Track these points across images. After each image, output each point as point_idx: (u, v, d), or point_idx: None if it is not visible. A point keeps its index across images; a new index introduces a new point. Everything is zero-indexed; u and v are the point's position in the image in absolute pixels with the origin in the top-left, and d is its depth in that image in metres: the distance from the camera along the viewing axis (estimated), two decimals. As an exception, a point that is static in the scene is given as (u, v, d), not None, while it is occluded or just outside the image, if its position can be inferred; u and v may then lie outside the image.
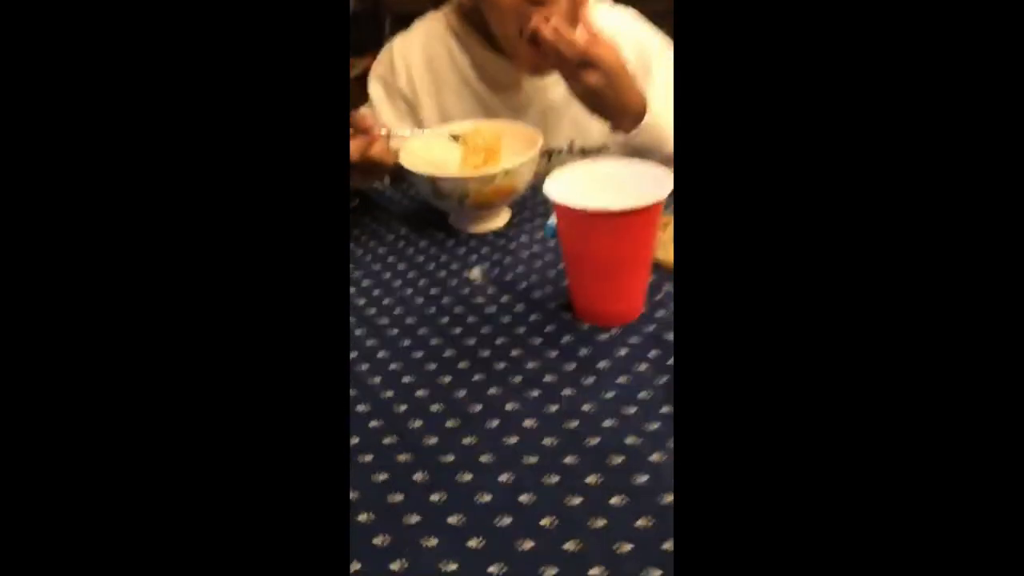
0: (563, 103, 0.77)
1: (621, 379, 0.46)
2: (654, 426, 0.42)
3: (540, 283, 0.58)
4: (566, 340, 0.51)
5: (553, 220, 0.65)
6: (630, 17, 0.83)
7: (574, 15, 0.68)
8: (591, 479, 0.39)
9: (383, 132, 0.63)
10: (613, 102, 0.65)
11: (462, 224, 0.68)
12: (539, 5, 0.66)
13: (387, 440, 0.43)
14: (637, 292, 0.51)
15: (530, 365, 0.48)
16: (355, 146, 0.62)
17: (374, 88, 0.84)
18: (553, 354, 0.49)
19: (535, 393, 0.46)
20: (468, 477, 0.40)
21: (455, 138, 0.68)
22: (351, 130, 0.63)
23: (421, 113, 0.82)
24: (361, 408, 0.46)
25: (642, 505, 0.37)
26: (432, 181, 0.62)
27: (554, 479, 0.39)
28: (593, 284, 0.50)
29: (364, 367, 0.50)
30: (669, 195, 0.46)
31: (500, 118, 0.75)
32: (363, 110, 0.81)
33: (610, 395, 0.45)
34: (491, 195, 0.63)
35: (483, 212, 0.66)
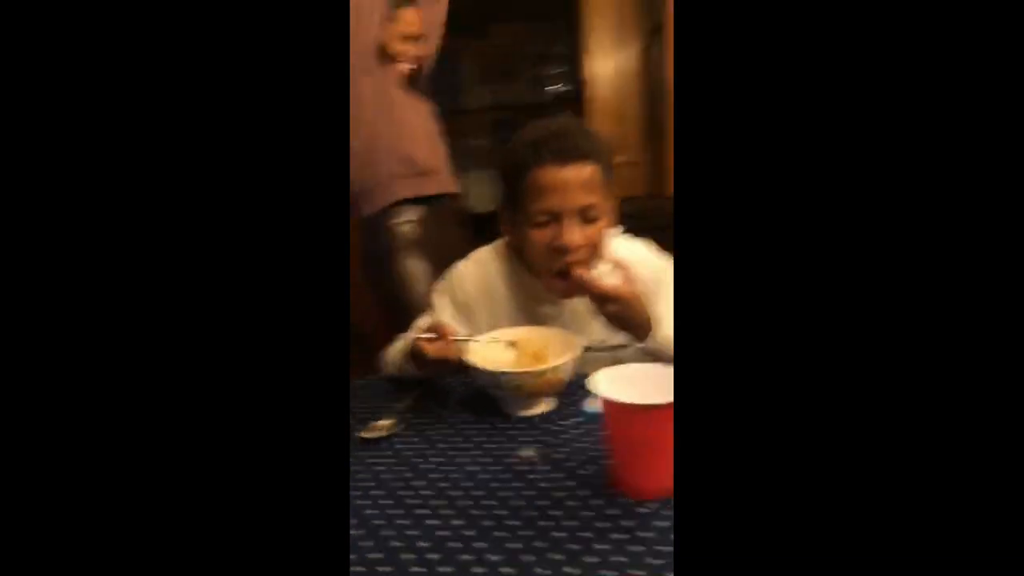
0: (582, 313, 0.92)
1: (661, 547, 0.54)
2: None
3: (583, 462, 0.68)
4: (611, 512, 0.59)
5: (588, 406, 0.76)
6: (641, 247, 1.02)
7: (594, 251, 0.87)
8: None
9: (454, 337, 0.78)
10: (628, 323, 0.80)
11: (513, 410, 0.80)
12: (562, 253, 0.84)
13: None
14: (667, 472, 0.61)
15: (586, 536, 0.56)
16: (437, 347, 0.77)
17: (439, 300, 1.00)
18: (602, 525, 0.57)
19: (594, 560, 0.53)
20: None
21: (512, 344, 0.82)
22: (432, 335, 0.77)
23: (475, 320, 0.97)
24: None
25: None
26: (496, 375, 0.75)
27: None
28: (631, 461, 0.60)
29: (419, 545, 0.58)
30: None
31: (542, 325, 0.90)
32: (436, 319, 0.96)
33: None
34: (541, 386, 0.76)
35: (532, 400, 0.78)
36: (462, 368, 0.81)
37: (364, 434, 0.76)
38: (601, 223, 0.85)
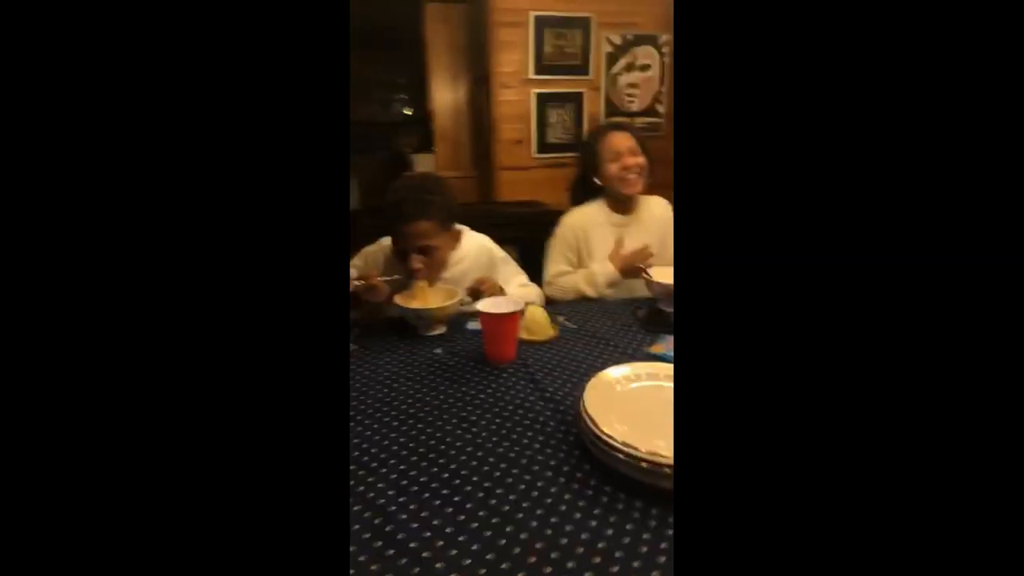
0: (457, 280, 1.28)
1: (508, 397, 0.93)
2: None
3: (470, 350, 1.06)
4: (483, 372, 0.98)
5: (469, 326, 1.15)
6: (483, 237, 1.40)
7: (434, 269, 1.22)
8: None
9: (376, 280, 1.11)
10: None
11: (423, 332, 1.15)
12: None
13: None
14: (511, 348, 1.02)
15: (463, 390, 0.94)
16: (371, 289, 1.09)
17: (357, 261, 1.31)
18: (474, 380, 0.95)
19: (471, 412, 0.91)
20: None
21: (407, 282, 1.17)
22: (362, 283, 1.09)
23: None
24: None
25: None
26: (418, 311, 1.10)
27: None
28: (493, 345, 1.00)
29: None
30: (522, 308, 0.99)
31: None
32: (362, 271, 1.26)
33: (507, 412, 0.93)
34: (441, 317, 1.12)
35: (435, 326, 1.14)
36: (383, 310, 1.13)
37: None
38: (436, 254, 1.21)
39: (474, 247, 1.32)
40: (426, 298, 1.16)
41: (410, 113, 5.67)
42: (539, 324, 1.10)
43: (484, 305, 1.00)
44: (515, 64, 2.89)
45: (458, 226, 1.32)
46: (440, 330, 1.16)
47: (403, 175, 1.22)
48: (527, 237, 2.65)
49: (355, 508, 0.60)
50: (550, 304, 1.36)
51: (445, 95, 3.38)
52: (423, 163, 3.39)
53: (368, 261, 1.31)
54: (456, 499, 0.62)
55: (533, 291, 1.34)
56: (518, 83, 2.92)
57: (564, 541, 0.53)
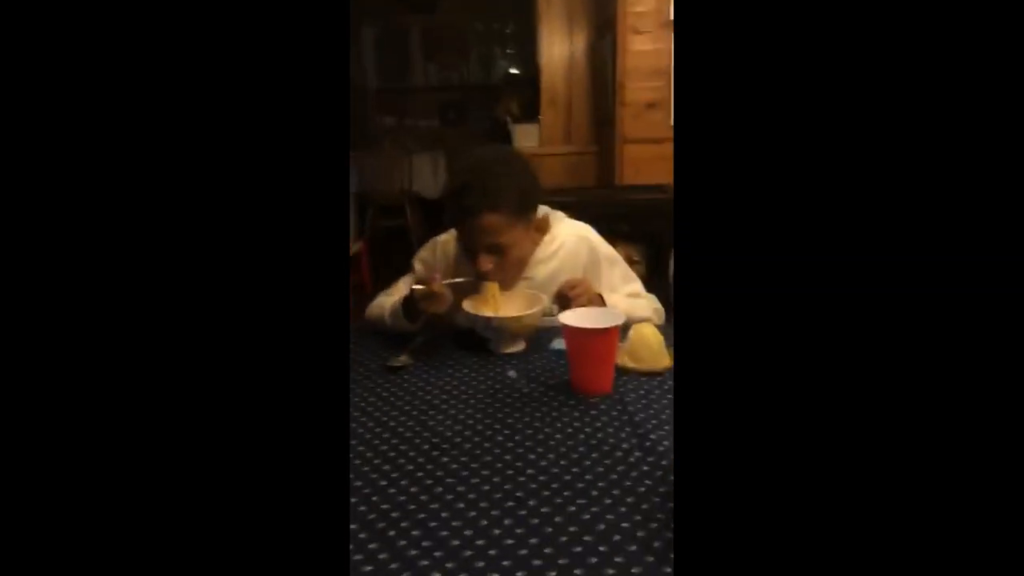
0: (545, 282, 1.30)
1: (595, 442, 0.91)
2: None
3: (552, 376, 1.06)
4: (565, 405, 0.98)
5: (554, 344, 1.15)
6: (584, 227, 1.39)
7: (507, 273, 1.25)
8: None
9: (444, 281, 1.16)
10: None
11: (498, 348, 1.18)
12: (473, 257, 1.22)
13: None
14: (606, 377, 1.00)
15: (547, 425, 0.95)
16: (436, 284, 1.14)
17: (418, 266, 1.38)
18: (551, 415, 0.95)
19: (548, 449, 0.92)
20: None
21: (484, 288, 1.21)
22: (423, 286, 1.14)
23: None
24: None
25: None
26: (490, 319, 1.14)
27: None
28: (580, 370, 0.99)
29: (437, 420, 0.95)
30: (621, 324, 0.97)
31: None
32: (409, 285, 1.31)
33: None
34: (519, 330, 1.15)
35: (512, 341, 1.17)
36: (451, 318, 1.18)
37: (391, 363, 1.12)
38: (511, 252, 1.22)
39: (570, 241, 1.31)
40: (499, 305, 1.19)
41: (516, 72, 5.84)
42: (649, 349, 1.05)
43: (570, 317, 1.00)
44: (651, 2, 2.86)
45: (549, 212, 1.33)
46: (517, 347, 1.19)
47: (471, 153, 1.25)
48: (656, 232, 2.57)
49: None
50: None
51: (558, 48, 3.44)
52: (524, 136, 3.47)
53: (437, 254, 1.36)
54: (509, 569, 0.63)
55: (646, 305, 1.29)
56: (655, 27, 2.86)
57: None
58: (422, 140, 5.16)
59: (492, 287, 1.21)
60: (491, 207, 1.16)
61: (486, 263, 1.20)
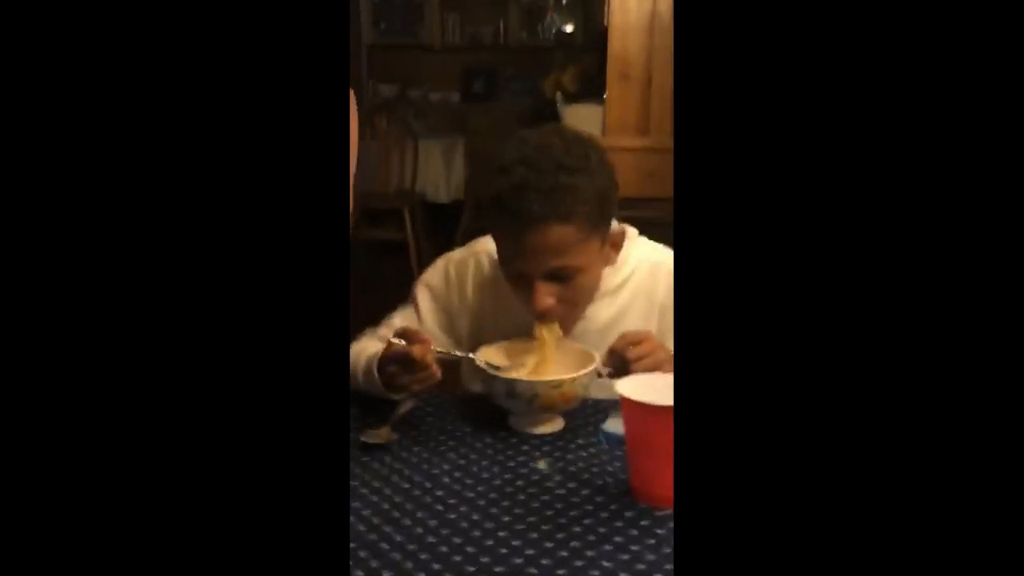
0: (604, 329, 1.27)
1: None
2: None
3: (601, 475, 1.02)
4: (619, 519, 0.93)
5: (608, 427, 1.11)
6: (665, 252, 1.37)
7: (574, 308, 1.23)
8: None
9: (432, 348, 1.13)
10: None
11: (523, 426, 1.14)
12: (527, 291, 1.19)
13: None
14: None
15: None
16: (420, 350, 1.09)
17: (422, 295, 1.36)
18: (597, 536, 0.91)
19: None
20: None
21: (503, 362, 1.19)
22: (404, 340, 1.11)
23: (460, 325, 1.33)
24: None
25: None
26: (511, 383, 1.11)
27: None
28: (643, 466, 0.95)
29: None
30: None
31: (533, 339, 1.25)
32: (407, 323, 1.30)
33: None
34: (556, 400, 1.11)
35: (545, 416, 1.13)
36: (443, 387, 1.15)
37: (365, 439, 1.10)
38: (580, 279, 1.19)
39: (643, 269, 1.30)
40: (549, 362, 1.18)
41: (573, 31, 5.91)
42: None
43: (632, 387, 0.97)
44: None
45: (623, 228, 1.31)
46: (552, 426, 1.16)
47: (523, 136, 1.22)
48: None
49: None
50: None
51: (632, 2, 3.46)
52: (582, 120, 3.48)
53: (451, 280, 1.36)
54: None
55: None
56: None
57: None
58: (433, 120, 5.23)
59: (549, 332, 1.19)
60: (562, 216, 1.13)
61: (546, 296, 1.17)
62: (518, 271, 1.19)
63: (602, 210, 1.18)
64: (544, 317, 1.18)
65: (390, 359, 1.14)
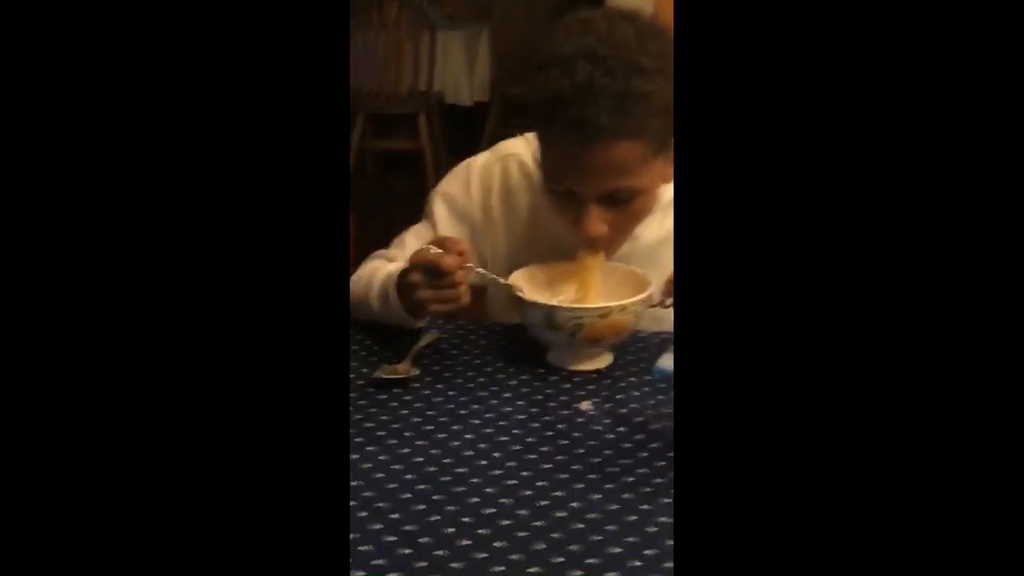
0: (652, 249, 1.26)
1: None
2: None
3: (655, 418, 1.02)
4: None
5: (663, 363, 1.11)
6: None
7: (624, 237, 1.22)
8: None
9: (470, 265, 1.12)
10: None
11: (564, 361, 1.15)
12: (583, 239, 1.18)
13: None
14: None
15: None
16: (453, 261, 1.07)
17: (438, 206, 1.35)
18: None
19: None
20: None
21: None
22: (436, 250, 1.09)
23: (484, 245, 1.32)
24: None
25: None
26: (551, 310, 1.11)
27: None
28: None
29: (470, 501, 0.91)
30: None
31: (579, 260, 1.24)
32: (422, 242, 1.27)
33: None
34: (605, 330, 1.11)
35: (591, 350, 1.14)
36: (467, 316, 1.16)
37: (380, 374, 1.11)
38: (638, 202, 1.17)
39: None
40: (591, 291, 1.17)
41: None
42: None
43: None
44: None
45: None
46: (599, 362, 1.16)
47: (581, 19, 1.13)
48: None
49: None
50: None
51: None
52: None
53: (472, 190, 1.34)
54: None
55: None
56: None
57: None
58: (453, 6, 5.12)
59: (596, 260, 1.18)
60: (634, 131, 1.08)
61: (600, 223, 1.15)
62: (567, 189, 1.15)
63: (670, 122, 1.07)
64: (594, 245, 1.17)
65: (415, 266, 1.11)
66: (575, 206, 1.15)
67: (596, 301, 1.16)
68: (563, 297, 1.19)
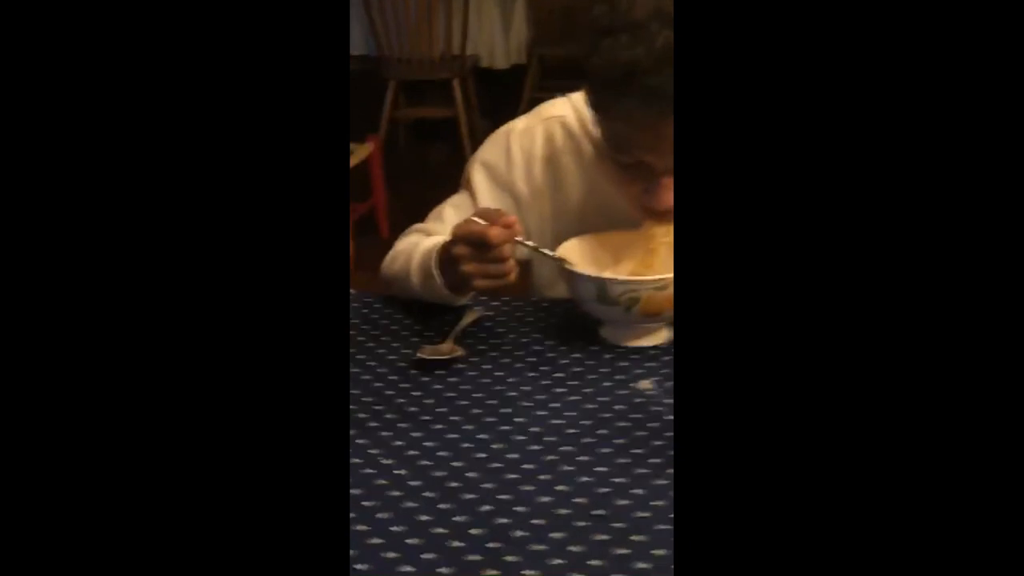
0: None
1: None
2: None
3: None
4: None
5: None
6: None
7: None
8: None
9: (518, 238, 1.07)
10: None
11: (619, 337, 1.11)
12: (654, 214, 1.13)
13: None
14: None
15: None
16: (500, 234, 1.03)
17: (478, 176, 1.31)
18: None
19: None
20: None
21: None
22: (482, 222, 1.05)
23: (529, 215, 1.27)
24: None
25: None
26: (605, 283, 1.06)
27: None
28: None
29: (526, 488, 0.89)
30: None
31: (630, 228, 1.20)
32: (461, 214, 1.24)
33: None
34: (663, 303, 1.06)
35: (648, 324, 1.10)
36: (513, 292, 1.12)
37: (423, 355, 1.08)
38: None
39: None
40: (652, 263, 1.14)
41: None
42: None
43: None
44: None
45: None
46: (658, 338, 1.13)
47: None
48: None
49: None
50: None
51: None
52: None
53: (514, 157, 1.31)
54: None
55: None
56: None
57: None
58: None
59: (662, 233, 1.15)
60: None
61: (668, 192, 1.12)
62: (638, 160, 1.12)
63: None
64: (666, 217, 1.13)
65: (459, 239, 1.08)
66: (645, 177, 1.12)
67: (655, 272, 1.11)
68: (618, 269, 1.15)
